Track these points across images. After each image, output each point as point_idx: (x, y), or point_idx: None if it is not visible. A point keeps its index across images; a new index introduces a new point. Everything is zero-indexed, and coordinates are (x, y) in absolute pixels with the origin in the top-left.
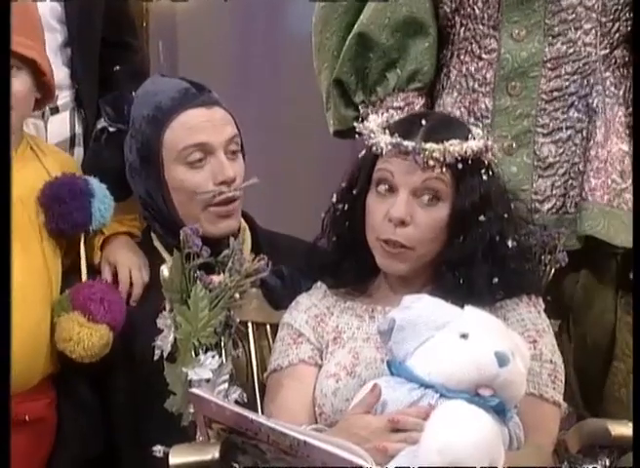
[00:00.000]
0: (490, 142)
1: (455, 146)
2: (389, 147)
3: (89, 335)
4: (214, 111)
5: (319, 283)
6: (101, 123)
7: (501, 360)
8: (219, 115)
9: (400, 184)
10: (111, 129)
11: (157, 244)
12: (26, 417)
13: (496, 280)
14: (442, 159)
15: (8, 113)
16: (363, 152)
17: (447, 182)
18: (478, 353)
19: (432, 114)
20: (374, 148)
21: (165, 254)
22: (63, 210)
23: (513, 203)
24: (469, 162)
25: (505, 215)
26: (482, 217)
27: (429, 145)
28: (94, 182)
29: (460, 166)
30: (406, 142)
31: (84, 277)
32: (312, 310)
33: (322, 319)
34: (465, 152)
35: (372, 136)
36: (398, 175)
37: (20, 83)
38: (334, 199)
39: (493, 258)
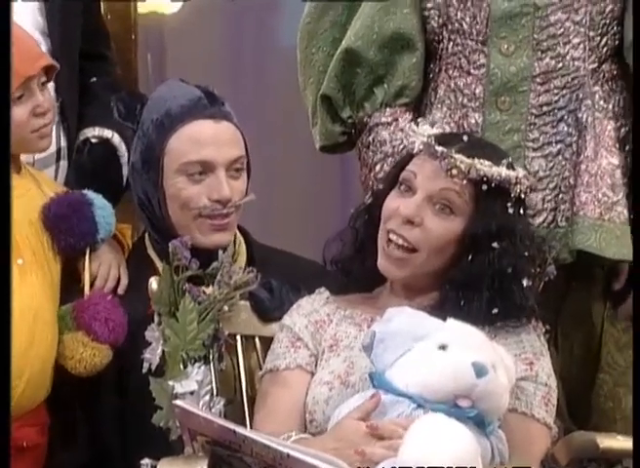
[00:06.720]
0: (521, 176)
1: (483, 165)
2: (421, 147)
3: (92, 356)
4: (222, 126)
5: (322, 288)
6: (84, 134)
7: (479, 370)
8: (226, 132)
9: (419, 187)
10: (93, 140)
11: (151, 252)
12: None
13: (495, 311)
14: (466, 172)
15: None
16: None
17: (465, 199)
18: (455, 363)
19: (479, 138)
20: (409, 146)
21: (158, 262)
22: (68, 224)
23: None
24: (494, 187)
25: (525, 254)
26: (495, 245)
27: (459, 155)
28: (89, 193)
29: (484, 187)
30: (438, 147)
31: (87, 290)
32: (313, 316)
33: (321, 326)
34: (492, 175)
35: (412, 134)
36: (420, 177)
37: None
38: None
39: (499, 290)
